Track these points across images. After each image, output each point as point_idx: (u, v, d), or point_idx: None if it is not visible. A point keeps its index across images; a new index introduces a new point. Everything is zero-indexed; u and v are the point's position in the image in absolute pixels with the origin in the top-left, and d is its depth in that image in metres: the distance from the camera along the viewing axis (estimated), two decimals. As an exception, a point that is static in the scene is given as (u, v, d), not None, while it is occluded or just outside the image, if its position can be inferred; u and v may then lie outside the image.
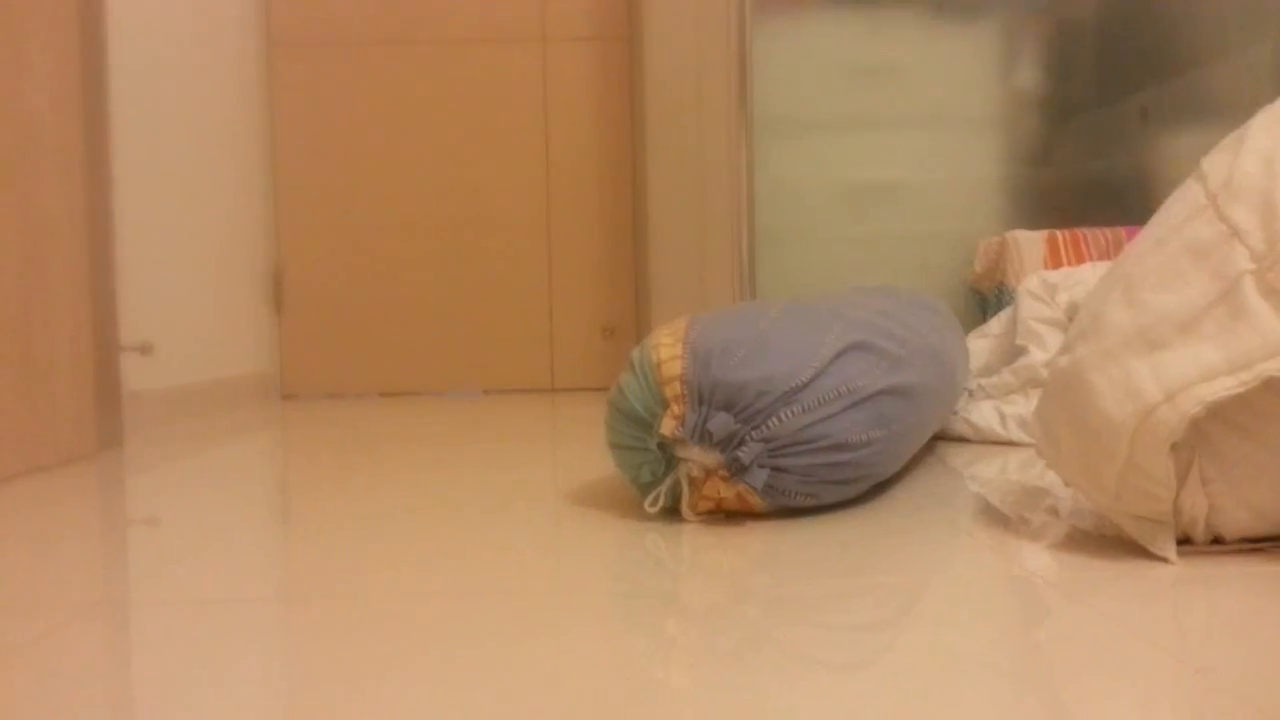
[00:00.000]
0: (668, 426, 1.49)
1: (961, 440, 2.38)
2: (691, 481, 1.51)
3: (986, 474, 2.01)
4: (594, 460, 1.84)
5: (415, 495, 1.93)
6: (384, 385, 3.89)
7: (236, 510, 1.92)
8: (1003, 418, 2.36)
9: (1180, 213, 1.23)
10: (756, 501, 1.52)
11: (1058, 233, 3.11)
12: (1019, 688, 0.91)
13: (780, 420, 1.49)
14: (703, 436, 1.49)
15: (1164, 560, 1.26)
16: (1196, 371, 1.14)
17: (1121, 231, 3.10)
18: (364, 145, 3.91)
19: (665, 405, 1.51)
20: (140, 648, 1.15)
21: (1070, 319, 2.43)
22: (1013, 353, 2.52)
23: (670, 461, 1.52)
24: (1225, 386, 1.12)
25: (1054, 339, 2.41)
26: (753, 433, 1.48)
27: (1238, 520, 1.25)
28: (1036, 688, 0.92)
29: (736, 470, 1.49)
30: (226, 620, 1.18)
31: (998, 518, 1.61)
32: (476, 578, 1.34)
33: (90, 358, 2.43)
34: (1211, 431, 1.21)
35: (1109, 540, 1.36)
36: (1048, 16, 3.57)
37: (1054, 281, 2.53)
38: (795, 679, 0.94)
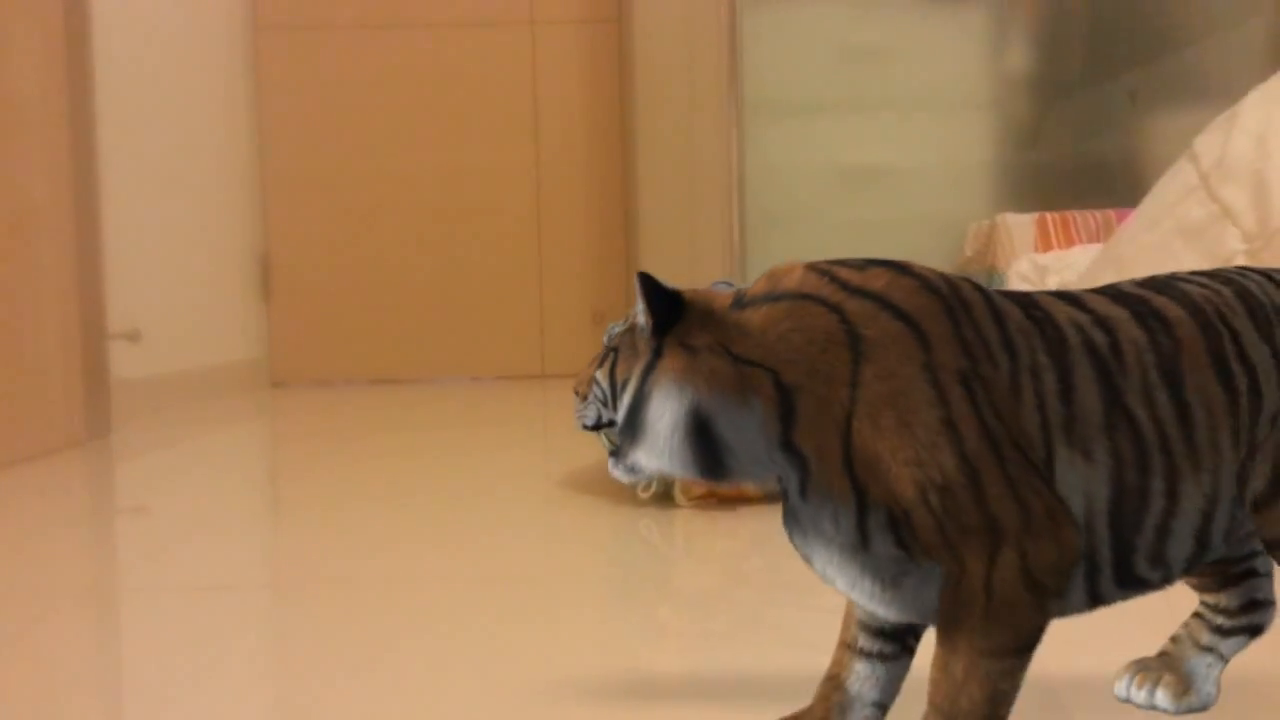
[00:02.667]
0: (660, 411, 1.48)
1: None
2: (684, 466, 1.50)
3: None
4: (586, 446, 1.84)
5: (406, 482, 1.92)
6: (373, 372, 3.88)
7: (226, 498, 1.91)
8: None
9: (1172, 193, 1.23)
10: (749, 486, 1.52)
11: (1048, 215, 3.11)
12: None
13: (772, 404, 1.48)
14: (695, 421, 1.48)
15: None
16: (1188, 353, 1.14)
17: (1111, 214, 3.10)
18: (352, 130, 3.89)
19: (657, 390, 1.51)
20: (130, 634, 1.15)
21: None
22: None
23: (662, 446, 1.52)
24: (1217, 367, 1.12)
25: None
26: (745, 417, 1.48)
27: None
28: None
29: (729, 454, 1.48)
30: (217, 607, 1.17)
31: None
32: (470, 563, 1.34)
33: (78, 345, 2.42)
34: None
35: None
36: (1038, -2, 3.55)
37: (1044, 264, 2.54)
38: (788, 662, 0.94)
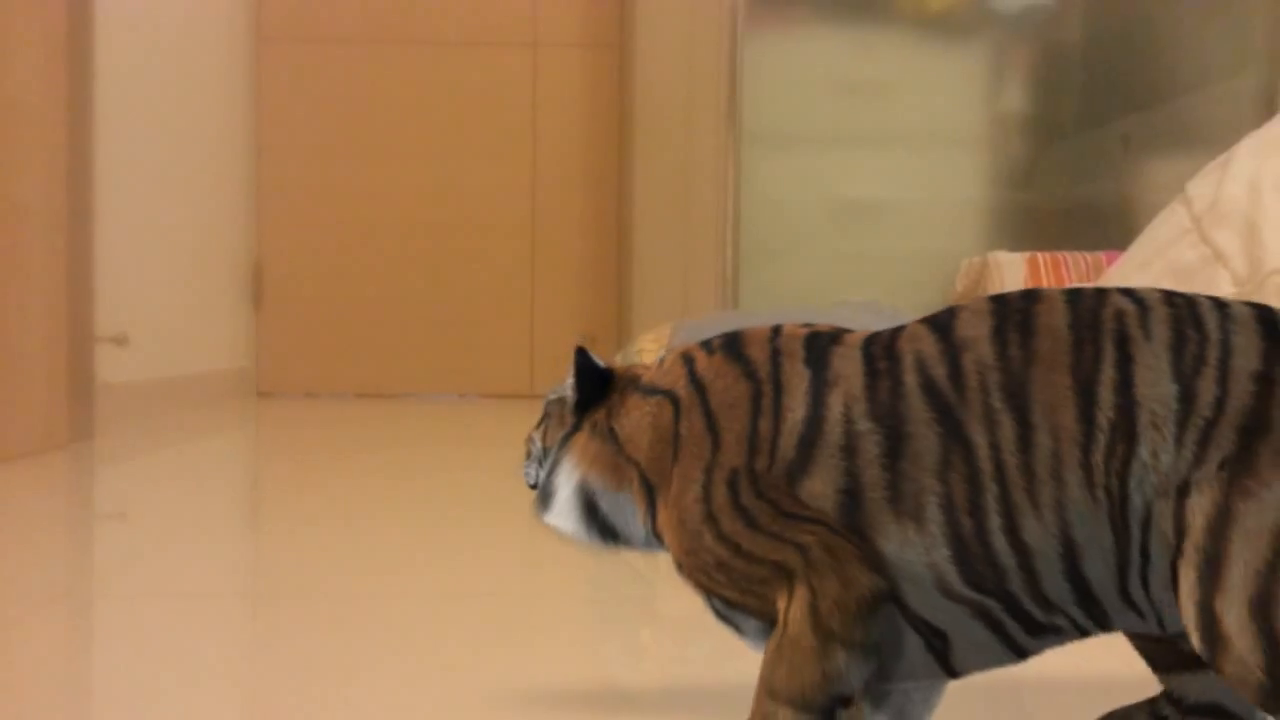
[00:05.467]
0: (647, 433, 1.48)
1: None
2: (669, 490, 1.50)
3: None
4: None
5: (388, 497, 1.91)
6: (361, 385, 3.87)
7: (207, 507, 1.90)
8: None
9: (1164, 235, 1.24)
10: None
11: (1039, 255, 3.13)
12: (992, 703, 0.90)
13: (760, 431, 1.48)
14: (682, 445, 1.47)
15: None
16: (1176, 394, 1.14)
17: (1102, 256, 3.12)
18: (349, 143, 3.90)
19: (645, 412, 1.50)
20: (104, 640, 1.13)
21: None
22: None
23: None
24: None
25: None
26: (732, 442, 1.47)
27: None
28: (1009, 708, 0.92)
29: (715, 480, 1.48)
30: (193, 615, 1.16)
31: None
32: (450, 580, 1.33)
33: (64, 347, 2.40)
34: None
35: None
36: (1035, 40, 3.60)
37: (1035, 303, 2.55)
38: (769, 690, 0.93)
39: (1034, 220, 3.50)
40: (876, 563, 0.61)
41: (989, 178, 3.59)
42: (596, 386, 0.73)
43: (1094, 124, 3.55)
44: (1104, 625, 0.62)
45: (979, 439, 0.60)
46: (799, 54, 3.48)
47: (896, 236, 3.48)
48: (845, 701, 0.62)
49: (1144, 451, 0.57)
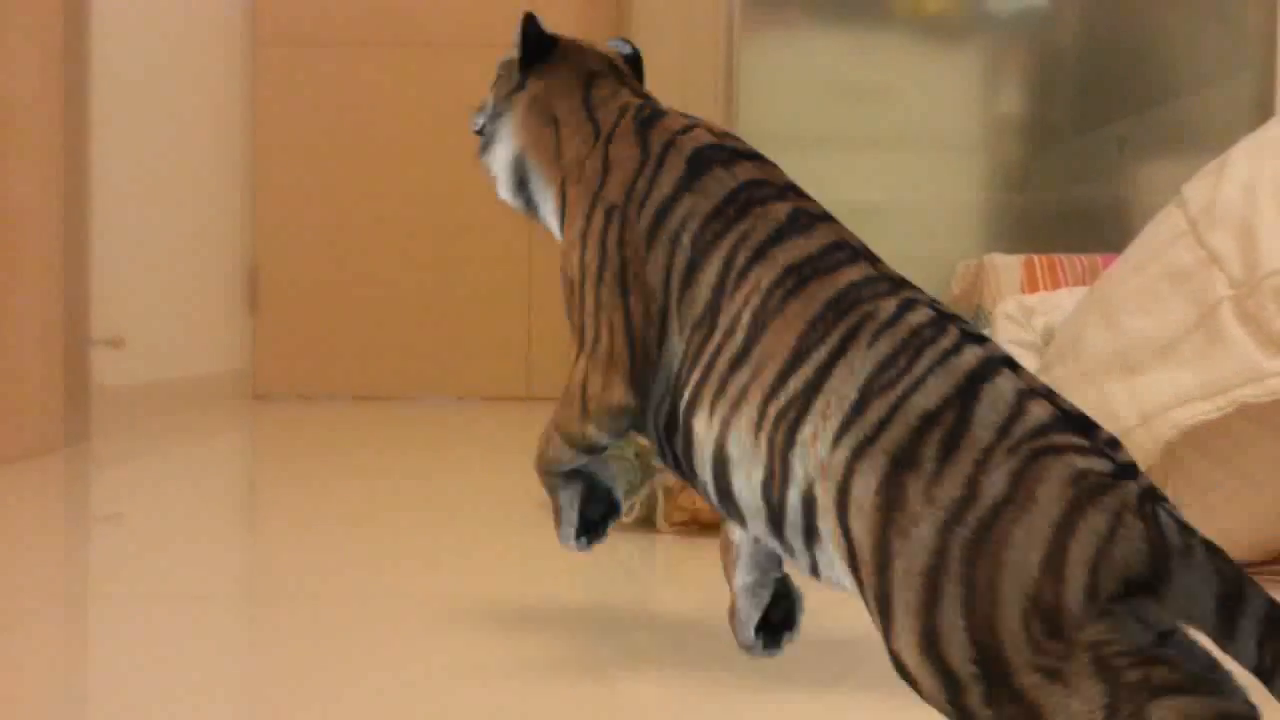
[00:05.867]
0: (645, 436, 1.48)
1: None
2: (667, 491, 1.50)
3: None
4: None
5: (384, 500, 1.91)
6: (358, 388, 3.86)
7: (203, 509, 1.89)
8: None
9: (1160, 237, 1.24)
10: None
11: (1035, 257, 3.13)
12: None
13: (757, 433, 1.49)
14: (680, 447, 1.48)
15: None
16: (1172, 395, 1.15)
17: (1098, 259, 3.13)
18: (347, 146, 3.89)
19: (643, 414, 1.51)
20: (100, 642, 1.13)
21: (1046, 343, 2.45)
22: (988, 375, 2.52)
23: (647, 471, 1.52)
24: (1200, 411, 1.13)
25: (1029, 362, 2.42)
26: (730, 445, 1.48)
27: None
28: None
29: (712, 482, 1.48)
30: (189, 617, 1.16)
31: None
32: (446, 583, 1.33)
33: (60, 349, 2.40)
34: (1185, 457, 1.22)
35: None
36: (1031, 43, 3.60)
37: (1030, 305, 2.55)
38: (767, 693, 0.93)
39: (1030, 223, 3.50)
40: (644, 386, 0.75)
41: (985, 180, 3.60)
42: (539, 49, 0.86)
43: (1090, 126, 3.55)
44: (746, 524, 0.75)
45: (719, 330, 0.72)
46: (796, 57, 3.49)
47: (893, 239, 3.48)
48: (597, 450, 0.79)
49: (806, 431, 0.67)
